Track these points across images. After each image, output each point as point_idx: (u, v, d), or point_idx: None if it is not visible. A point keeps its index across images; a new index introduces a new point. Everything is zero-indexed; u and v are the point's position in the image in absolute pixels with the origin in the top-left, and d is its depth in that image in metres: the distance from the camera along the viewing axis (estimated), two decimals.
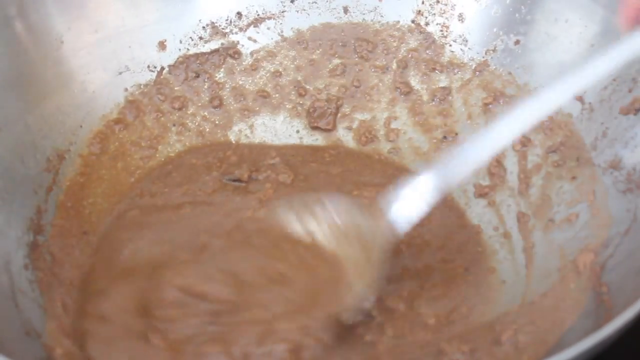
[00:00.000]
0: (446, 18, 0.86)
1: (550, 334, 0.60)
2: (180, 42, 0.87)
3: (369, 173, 0.84)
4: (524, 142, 0.78)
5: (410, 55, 0.87)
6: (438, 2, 0.86)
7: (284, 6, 0.89)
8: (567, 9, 0.77)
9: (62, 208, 0.74)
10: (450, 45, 0.86)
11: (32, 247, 0.69)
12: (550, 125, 0.77)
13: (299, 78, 0.89)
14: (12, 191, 0.70)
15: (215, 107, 0.87)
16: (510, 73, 0.82)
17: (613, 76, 0.72)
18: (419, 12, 0.87)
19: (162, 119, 0.85)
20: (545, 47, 0.79)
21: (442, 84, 0.86)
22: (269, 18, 0.89)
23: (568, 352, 0.48)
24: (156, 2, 0.85)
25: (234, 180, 0.81)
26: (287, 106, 0.89)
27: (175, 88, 0.86)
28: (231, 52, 0.88)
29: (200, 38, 0.87)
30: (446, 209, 0.79)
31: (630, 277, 0.58)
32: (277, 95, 0.89)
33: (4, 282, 0.63)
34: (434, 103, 0.86)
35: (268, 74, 0.89)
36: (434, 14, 0.86)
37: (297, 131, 0.88)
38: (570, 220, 0.70)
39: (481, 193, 0.79)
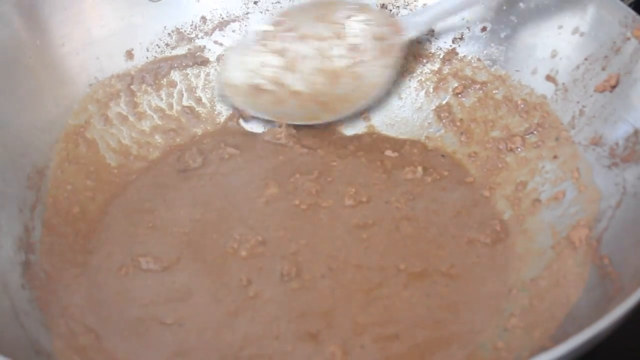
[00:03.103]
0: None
1: (558, 310, 0.60)
2: (147, 50, 0.86)
3: None
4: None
5: None
6: None
7: (248, 8, 0.89)
8: None
9: (48, 225, 0.73)
10: None
11: (25, 266, 0.67)
12: (525, 107, 0.78)
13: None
14: None
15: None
16: (479, 59, 0.83)
17: (585, 55, 0.74)
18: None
19: (135, 126, 0.84)
20: (514, 32, 0.81)
21: None
22: (234, 21, 0.89)
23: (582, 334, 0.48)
24: (121, 11, 0.84)
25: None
26: None
27: (145, 96, 0.85)
28: (198, 55, 0.88)
29: (167, 45, 0.87)
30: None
31: (632, 247, 0.60)
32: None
33: (5, 304, 0.62)
34: None
35: None
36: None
37: None
38: (557, 198, 0.71)
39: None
